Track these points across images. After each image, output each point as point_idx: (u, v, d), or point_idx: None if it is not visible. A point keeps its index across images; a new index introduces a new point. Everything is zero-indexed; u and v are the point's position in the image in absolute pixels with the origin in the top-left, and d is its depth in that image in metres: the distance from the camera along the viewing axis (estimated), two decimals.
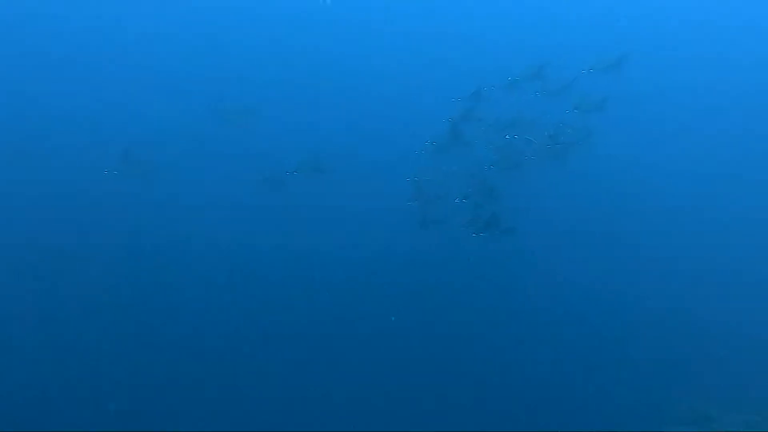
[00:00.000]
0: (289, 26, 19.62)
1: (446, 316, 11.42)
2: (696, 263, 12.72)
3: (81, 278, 11.61)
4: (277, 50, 18.73)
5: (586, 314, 11.48)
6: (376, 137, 15.67)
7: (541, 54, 14.60)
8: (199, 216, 13.34)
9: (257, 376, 10.30)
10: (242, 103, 15.17)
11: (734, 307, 11.79)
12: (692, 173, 15.14)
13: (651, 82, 17.44)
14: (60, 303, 11.13)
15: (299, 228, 13.18)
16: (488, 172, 12.65)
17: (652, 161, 15.40)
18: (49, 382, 9.80)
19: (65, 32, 18.46)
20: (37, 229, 12.47)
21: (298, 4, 19.99)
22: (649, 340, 11.10)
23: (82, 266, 11.86)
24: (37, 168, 13.77)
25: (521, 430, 9.23)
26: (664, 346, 10.95)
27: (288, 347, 10.80)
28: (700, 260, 12.78)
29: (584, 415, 9.66)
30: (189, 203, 13.65)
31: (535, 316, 11.42)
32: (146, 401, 9.62)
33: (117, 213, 13.15)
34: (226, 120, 15.06)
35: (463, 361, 10.60)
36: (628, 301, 11.79)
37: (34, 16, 18.67)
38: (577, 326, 11.21)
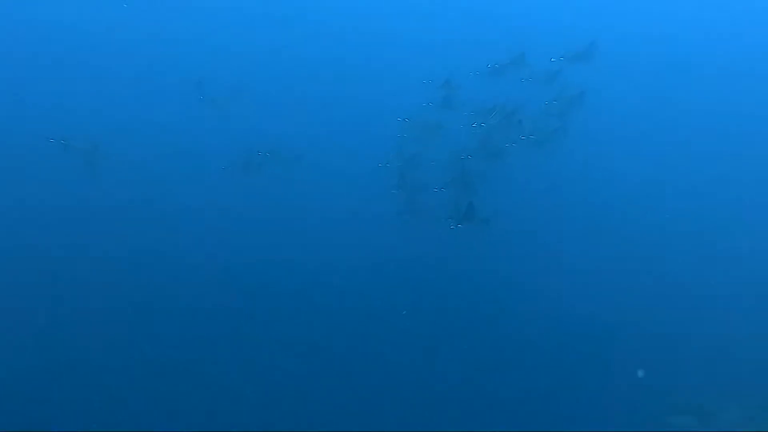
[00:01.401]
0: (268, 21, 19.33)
1: (425, 310, 10.88)
2: (678, 254, 12.38)
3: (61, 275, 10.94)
4: (258, 42, 18.32)
5: (569, 307, 10.97)
6: (353, 124, 15.23)
7: (522, 41, 14.36)
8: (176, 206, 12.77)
9: (237, 372, 9.73)
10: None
11: (718, 296, 11.45)
12: (673, 164, 14.84)
13: (631, 72, 17.35)
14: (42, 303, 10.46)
15: (276, 215, 12.67)
16: (467, 162, 12.16)
17: (631, 151, 15.12)
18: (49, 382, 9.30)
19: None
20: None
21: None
22: (635, 335, 10.58)
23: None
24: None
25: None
26: (651, 341, 10.45)
27: (267, 341, 10.18)
28: (682, 251, 12.45)
29: (573, 410, 9.18)
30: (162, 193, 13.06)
31: (517, 310, 10.91)
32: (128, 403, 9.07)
33: (93, 209, 12.54)
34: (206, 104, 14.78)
35: (439, 355, 10.09)
36: (613, 292, 11.35)
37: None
38: (561, 319, 10.72)
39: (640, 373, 9.54)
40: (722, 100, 16.83)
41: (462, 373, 9.65)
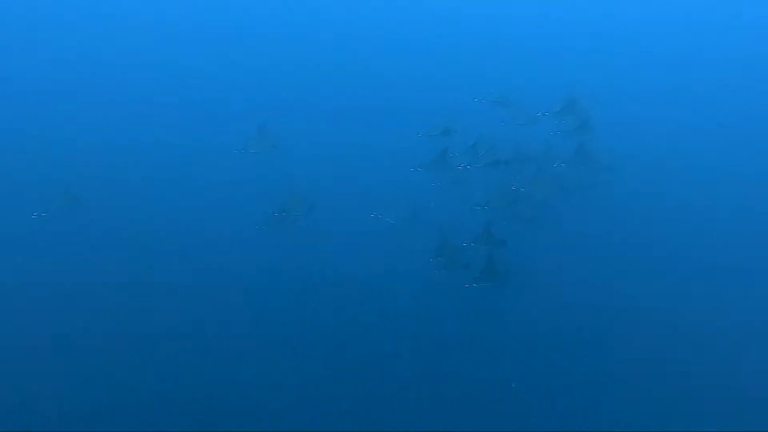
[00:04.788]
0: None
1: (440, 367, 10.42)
2: (695, 307, 11.77)
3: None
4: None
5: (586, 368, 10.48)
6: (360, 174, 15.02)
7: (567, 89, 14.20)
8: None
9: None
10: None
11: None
12: (700, 214, 14.27)
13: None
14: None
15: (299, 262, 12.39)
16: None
17: (664, 201, 14.60)
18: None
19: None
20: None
21: None
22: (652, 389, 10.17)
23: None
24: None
25: None
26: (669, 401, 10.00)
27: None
28: (699, 304, 11.83)
29: None
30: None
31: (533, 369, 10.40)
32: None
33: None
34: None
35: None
36: (633, 353, 10.79)
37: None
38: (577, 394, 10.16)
39: None
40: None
41: None
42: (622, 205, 14.13)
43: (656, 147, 16.62)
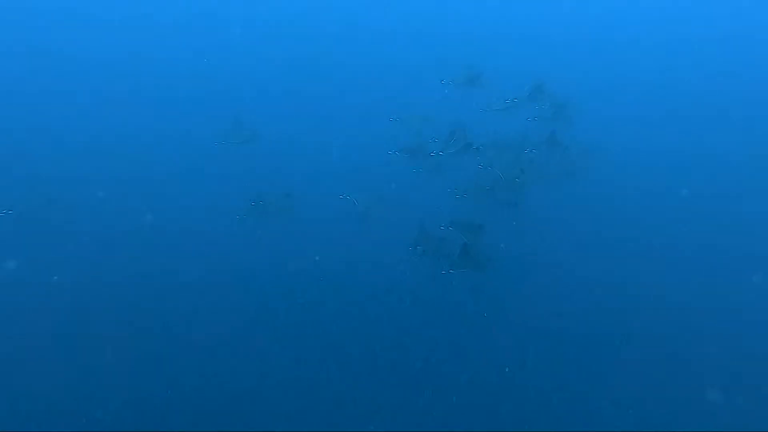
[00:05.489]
0: None
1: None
2: (673, 290, 11.96)
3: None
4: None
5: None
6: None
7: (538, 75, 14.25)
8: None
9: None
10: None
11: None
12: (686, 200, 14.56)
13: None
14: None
15: (278, 250, 12.44)
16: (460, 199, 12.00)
17: (642, 188, 14.82)
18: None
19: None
20: None
21: None
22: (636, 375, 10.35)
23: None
24: None
25: None
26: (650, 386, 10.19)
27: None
28: (677, 287, 12.03)
29: None
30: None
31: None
32: None
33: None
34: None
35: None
36: (609, 338, 10.91)
37: None
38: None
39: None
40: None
41: None
42: (599, 191, 14.33)
43: (631, 132, 16.91)
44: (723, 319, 11.26)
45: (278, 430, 8.90)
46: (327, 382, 9.78)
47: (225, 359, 10.06)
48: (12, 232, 11.95)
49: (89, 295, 11.10)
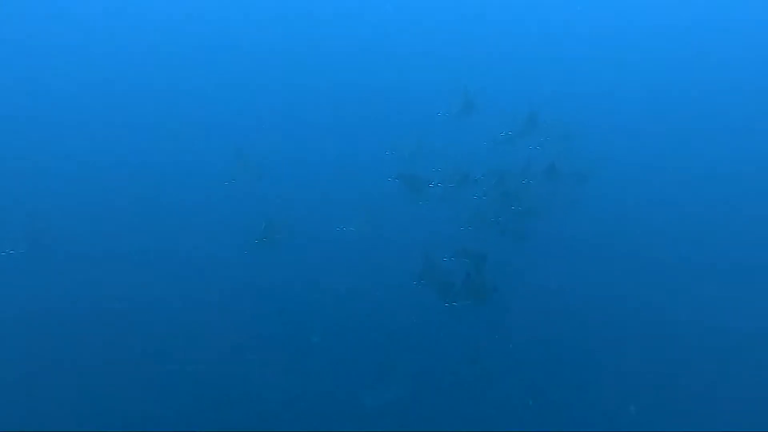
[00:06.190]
0: None
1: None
2: (678, 317, 11.99)
3: None
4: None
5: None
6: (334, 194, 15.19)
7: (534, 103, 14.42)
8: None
9: None
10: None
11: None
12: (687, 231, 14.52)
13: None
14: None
15: (281, 283, 12.59)
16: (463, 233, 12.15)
17: (634, 217, 14.78)
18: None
19: None
20: None
21: None
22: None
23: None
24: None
25: None
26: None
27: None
28: (682, 314, 12.07)
29: None
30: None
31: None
32: None
33: None
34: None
35: None
36: (613, 366, 10.98)
37: None
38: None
39: None
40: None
41: None
42: (599, 219, 14.37)
43: (630, 159, 16.98)
44: (736, 349, 11.26)
45: None
46: (328, 414, 9.85)
47: (226, 390, 10.24)
48: (23, 270, 12.24)
49: (89, 320, 11.40)
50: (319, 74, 21.02)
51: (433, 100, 14.84)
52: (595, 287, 12.54)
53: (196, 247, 13.51)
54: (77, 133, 17.88)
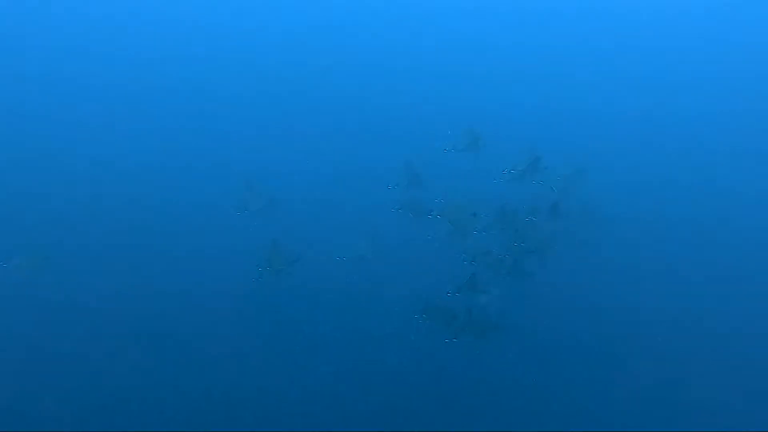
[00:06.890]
0: None
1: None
2: (682, 356, 11.98)
3: None
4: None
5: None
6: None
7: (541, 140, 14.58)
8: None
9: None
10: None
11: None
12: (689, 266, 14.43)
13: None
14: None
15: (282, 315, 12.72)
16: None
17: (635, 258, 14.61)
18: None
19: None
20: None
21: None
22: None
23: None
24: None
25: None
26: None
27: None
28: (685, 353, 12.05)
29: None
30: None
31: None
32: None
33: None
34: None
35: None
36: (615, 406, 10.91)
37: None
38: None
39: None
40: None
41: None
42: (604, 259, 14.27)
43: (637, 195, 16.95)
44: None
45: None
46: None
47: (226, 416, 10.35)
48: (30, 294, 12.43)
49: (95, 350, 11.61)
50: (330, 109, 21.31)
51: (439, 136, 14.98)
52: (599, 326, 12.48)
53: (205, 277, 13.61)
54: (86, 169, 17.83)
